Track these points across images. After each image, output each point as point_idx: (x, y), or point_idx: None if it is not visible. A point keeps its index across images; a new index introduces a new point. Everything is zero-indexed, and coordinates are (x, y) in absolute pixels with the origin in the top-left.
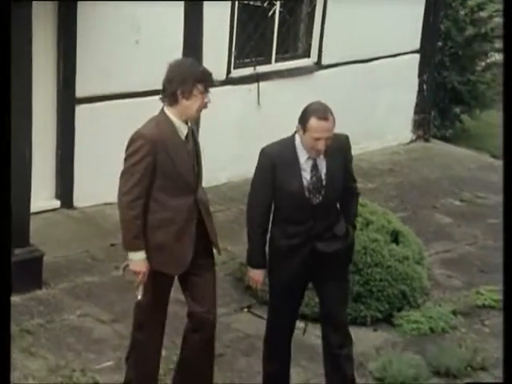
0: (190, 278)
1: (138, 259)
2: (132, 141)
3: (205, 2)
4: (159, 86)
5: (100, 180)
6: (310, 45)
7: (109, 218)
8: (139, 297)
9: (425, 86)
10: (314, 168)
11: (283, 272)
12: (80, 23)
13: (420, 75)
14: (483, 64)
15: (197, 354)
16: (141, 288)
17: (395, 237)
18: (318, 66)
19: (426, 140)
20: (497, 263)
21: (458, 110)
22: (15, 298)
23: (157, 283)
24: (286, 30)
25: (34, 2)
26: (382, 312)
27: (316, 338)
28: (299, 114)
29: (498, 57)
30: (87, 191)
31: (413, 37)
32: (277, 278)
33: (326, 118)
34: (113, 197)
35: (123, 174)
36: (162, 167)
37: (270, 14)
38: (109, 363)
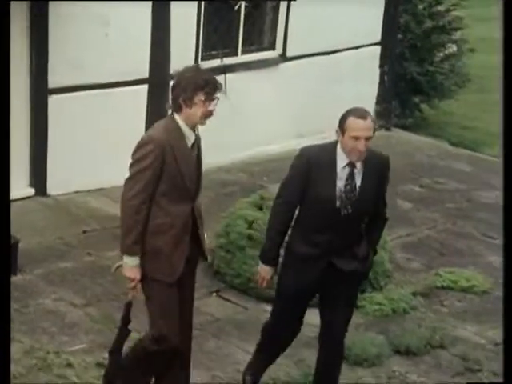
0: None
1: (132, 265)
2: (142, 144)
3: None
4: (129, 77)
5: (72, 169)
6: (275, 37)
7: (81, 206)
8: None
9: (386, 77)
10: (350, 177)
11: (295, 280)
12: (51, 19)
13: (381, 66)
14: (441, 55)
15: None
16: (132, 292)
17: None
18: (283, 58)
19: (388, 129)
20: (455, 246)
21: (417, 99)
22: None
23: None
24: (252, 23)
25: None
26: None
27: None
28: (266, 103)
29: (455, 48)
30: (60, 179)
31: (374, 30)
32: (287, 283)
33: (364, 117)
34: (84, 185)
35: (131, 178)
36: (168, 172)
37: (235, 8)
38: (82, 345)
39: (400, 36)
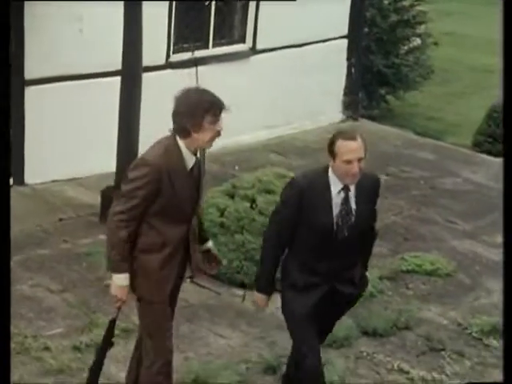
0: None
1: (120, 284)
2: (138, 165)
3: None
4: (102, 69)
5: (49, 158)
6: (246, 31)
7: (57, 195)
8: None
9: (353, 70)
10: (345, 201)
11: (298, 304)
12: (27, 17)
13: (348, 59)
14: (406, 48)
15: None
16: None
17: None
18: (253, 50)
19: (355, 119)
20: (420, 231)
21: (383, 91)
22: None
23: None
24: (222, 16)
25: None
26: None
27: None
28: (237, 95)
29: (419, 41)
30: (37, 169)
31: (341, 23)
32: (291, 310)
33: (353, 138)
34: (60, 175)
35: (122, 195)
36: (163, 196)
37: (206, 3)
38: (59, 330)
39: (366, 30)
